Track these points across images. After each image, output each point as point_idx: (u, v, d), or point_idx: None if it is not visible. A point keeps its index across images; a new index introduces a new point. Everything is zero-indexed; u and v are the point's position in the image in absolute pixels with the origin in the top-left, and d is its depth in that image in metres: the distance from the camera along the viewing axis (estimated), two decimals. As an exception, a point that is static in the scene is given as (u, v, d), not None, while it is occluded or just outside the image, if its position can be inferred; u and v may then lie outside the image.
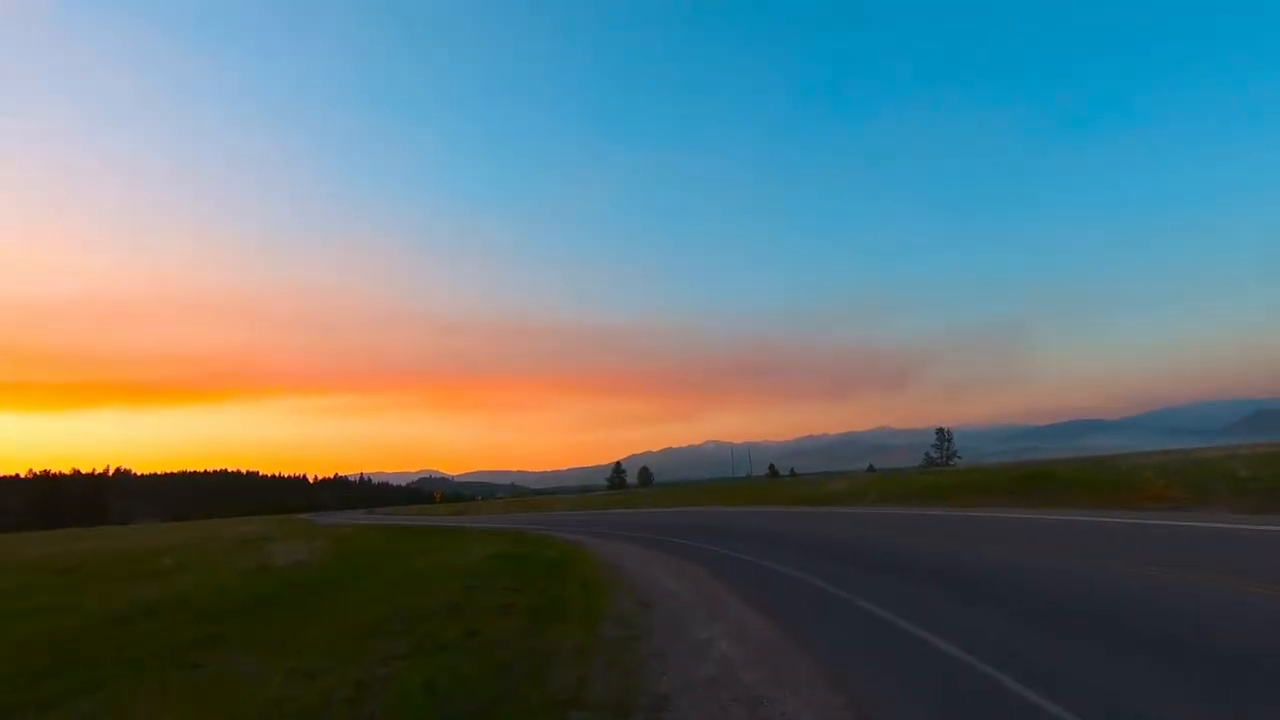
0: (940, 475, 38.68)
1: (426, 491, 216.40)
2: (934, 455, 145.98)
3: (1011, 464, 58.47)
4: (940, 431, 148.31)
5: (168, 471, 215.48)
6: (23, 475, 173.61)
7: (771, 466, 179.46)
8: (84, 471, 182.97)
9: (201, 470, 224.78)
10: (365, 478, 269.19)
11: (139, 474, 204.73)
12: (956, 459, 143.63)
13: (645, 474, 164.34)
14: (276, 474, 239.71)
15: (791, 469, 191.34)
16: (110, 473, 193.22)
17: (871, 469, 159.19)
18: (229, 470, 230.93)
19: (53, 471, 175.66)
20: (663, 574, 10.85)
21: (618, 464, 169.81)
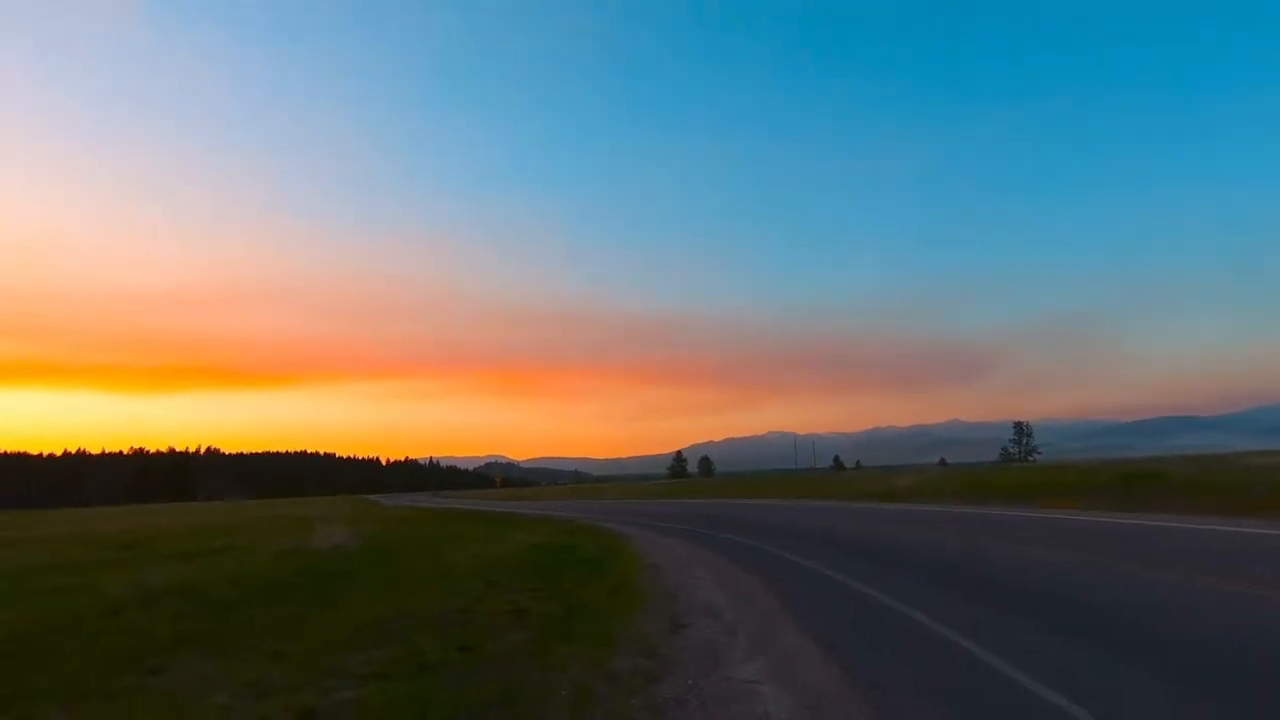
0: (1026, 472, 35.68)
1: (492, 476, 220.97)
2: (1011, 450, 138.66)
3: (1107, 461, 54.12)
4: (1018, 425, 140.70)
5: (253, 452, 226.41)
6: (124, 453, 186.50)
7: (836, 458, 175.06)
8: (177, 450, 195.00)
9: (283, 451, 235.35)
10: (434, 461, 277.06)
11: (226, 453, 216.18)
12: (1036, 454, 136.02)
13: (706, 463, 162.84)
14: (351, 456, 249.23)
15: (857, 461, 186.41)
16: (201, 452, 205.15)
17: (943, 463, 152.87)
18: (308, 452, 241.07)
19: (148, 450, 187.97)
20: (707, 580, 9.31)
21: (679, 453, 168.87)
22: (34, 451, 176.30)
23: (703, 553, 12.95)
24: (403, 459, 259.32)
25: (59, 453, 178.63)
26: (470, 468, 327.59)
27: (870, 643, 5.66)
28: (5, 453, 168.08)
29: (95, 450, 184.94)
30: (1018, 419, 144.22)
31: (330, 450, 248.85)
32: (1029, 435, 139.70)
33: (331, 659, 6.33)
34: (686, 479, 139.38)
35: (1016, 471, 39.25)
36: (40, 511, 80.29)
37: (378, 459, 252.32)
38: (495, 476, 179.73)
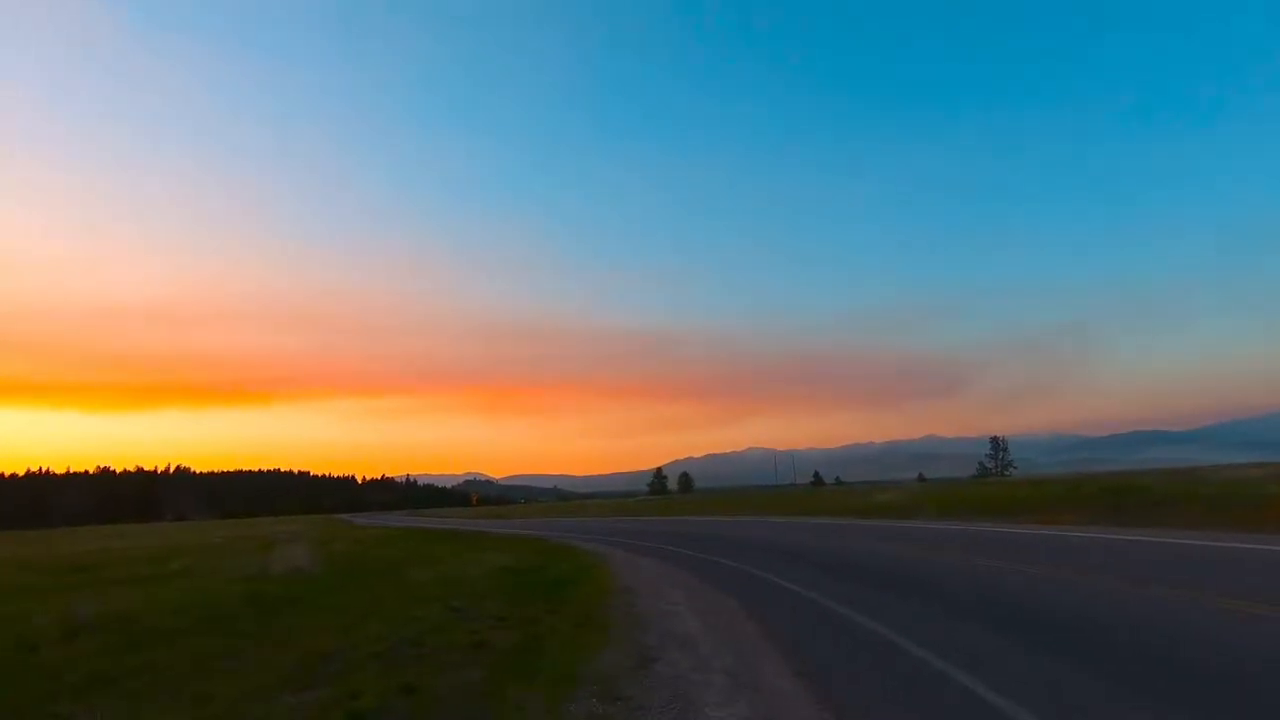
0: (1007, 487, 35.47)
1: (469, 494, 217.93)
2: (988, 465, 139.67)
3: (1083, 475, 54.39)
4: (994, 440, 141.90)
5: (224, 470, 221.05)
6: (90, 472, 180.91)
7: (816, 474, 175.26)
8: (145, 469, 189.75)
9: (256, 470, 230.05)
10: (411, 479, 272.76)
11: (197, 472, 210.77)
12: (1012, 469, 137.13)
13: (686, 479, 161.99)
14: (326, 474, 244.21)
15: (836, 477, 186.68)
16: (171, 470, 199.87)
17: (921, 478, 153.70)
18: (281, 470, 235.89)
19: (114, 469, 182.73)
20: (683, 605, 8.65)
21: (659, 470, 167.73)
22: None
23: (679, 574, 12.30)
24: (379, 477, 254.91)
25: (21, 472, 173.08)
26: (448, 486, 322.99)
27: (874, 686, 4.87)
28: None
29: (60, 469, 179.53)
30: (993, 434, 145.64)
31: (305, 469, 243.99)
32: (1005, 450, 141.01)
33: (259, 703, 5.63)
34: (666, 496, 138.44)
35: (998, 486, 39.07)
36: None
37: (354, 477, 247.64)
38: (473, 495, 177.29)
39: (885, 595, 8.38)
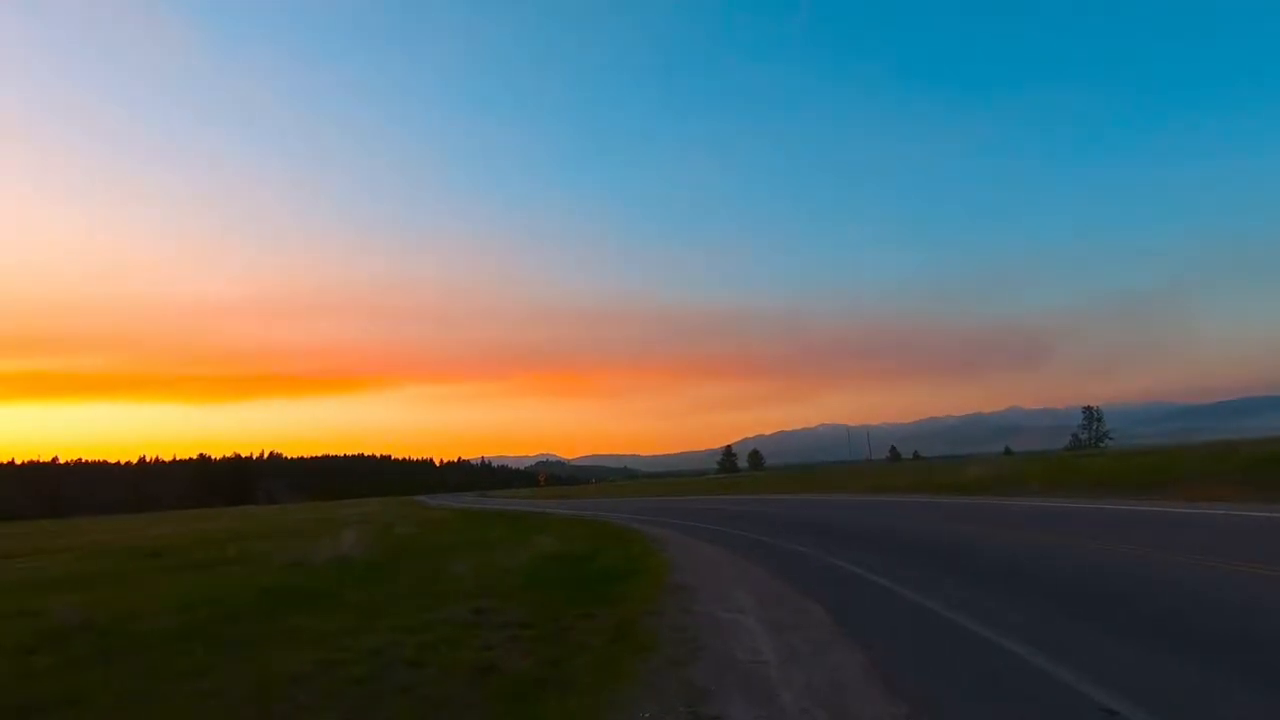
0: (1121, 458, 31.80)
1: (538, 474, 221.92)
2: (1081, 436, 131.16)
3: (1200, 444, 49.24)
4: (1088, 410, 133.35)
5: (313, 455, 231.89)
6: (192, 459, 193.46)
7: (893, 449, 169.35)
8: (241, 456, 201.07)
9: (342, 454, 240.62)
10: (486, 461, 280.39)
11: (287, 457, 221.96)
12: (1109, 440, 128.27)
13: (756, 457, 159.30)
14: (407, 458, 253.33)
15: (915, 452, 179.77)
16: (265, 456, 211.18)
17: (1008, 452, 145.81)
18: (365, 455, 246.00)
19: (212, 456, 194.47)
20: (752, 613, 6.64)
21: (728, 448, 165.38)
22: (111, 460, 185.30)
23: (747, 567, 10.34)
24: (456, 460, 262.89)
25: (134, 460, 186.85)
26: (521, 467, 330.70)
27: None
28: (84, 461, 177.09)
29: (166, 457, 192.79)
30: (1083, 404, 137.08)
31: (388, 453, 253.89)
32: (1099, 420, 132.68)
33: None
34: (736, 474, 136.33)
35: (1111, 458, 35.23)
36: (105, 518, 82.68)
37: (431, 460, 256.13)
38: (540, 475, 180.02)
39: (1063, 615, 5.57)
